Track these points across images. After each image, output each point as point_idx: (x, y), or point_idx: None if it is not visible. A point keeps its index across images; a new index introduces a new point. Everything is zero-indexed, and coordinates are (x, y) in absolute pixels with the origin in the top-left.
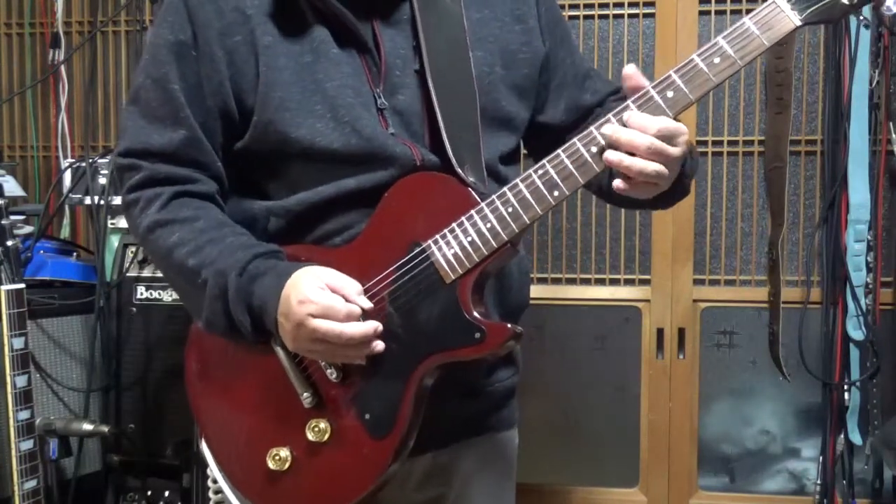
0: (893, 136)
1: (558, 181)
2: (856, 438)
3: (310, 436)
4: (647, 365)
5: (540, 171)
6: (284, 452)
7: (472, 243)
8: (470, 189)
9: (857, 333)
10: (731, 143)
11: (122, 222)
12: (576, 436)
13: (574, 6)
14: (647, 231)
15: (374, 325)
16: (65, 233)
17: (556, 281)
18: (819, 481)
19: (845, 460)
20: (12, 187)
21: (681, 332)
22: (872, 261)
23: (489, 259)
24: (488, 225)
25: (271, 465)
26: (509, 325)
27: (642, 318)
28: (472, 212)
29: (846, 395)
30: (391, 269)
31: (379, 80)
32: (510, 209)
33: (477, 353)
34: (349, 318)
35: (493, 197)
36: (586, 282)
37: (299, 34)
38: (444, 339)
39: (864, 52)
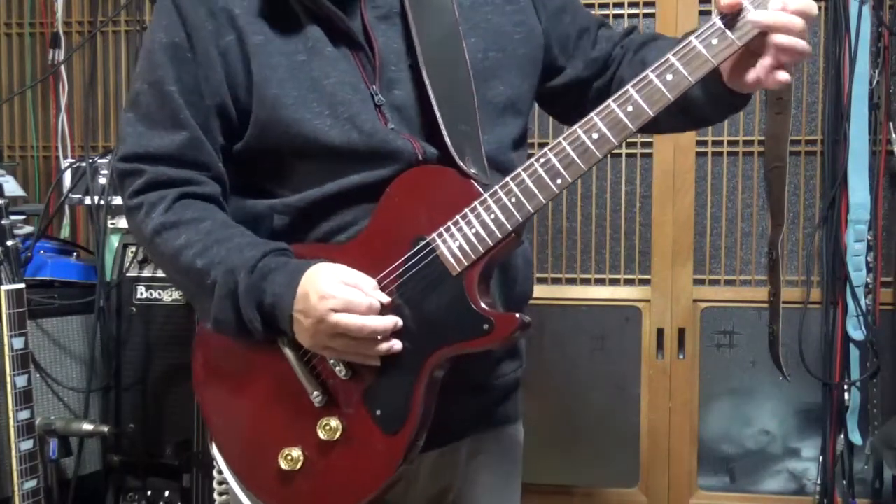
0: (893, 136)
1: (561, 169)
2: (856, 438)
3: (321, 434)
4: (647, 365)
5: (542, 160)
6: (296, 452)
7: (476, 234)
8: (472, 180)
9: (857, 333)
10: (731, 143)
11: (122, 222)
12: (576, 436)
13: None
14: (647, 231)
15: (394, 320)
16: (65, 233)
17: (556, 281)
18: (819, 481)
19: (845, 460)
20: (12, 187)
21: (681, 332)
22: (872, 261)
23: (494, 249)
24: (492, 216)
25: (283, 465)
26: (517, 316)
27: (642, 318)
28: (476, 203)
29: (846, 395)
30: (396, 264)
31: (374, 77)
32: (513, 199)
33: (486, 344)
34: (370, 311)
35: (496, 187)
36: (586, 282)
37: (292, 34)
38: (453, 331)
39: (864, 52)
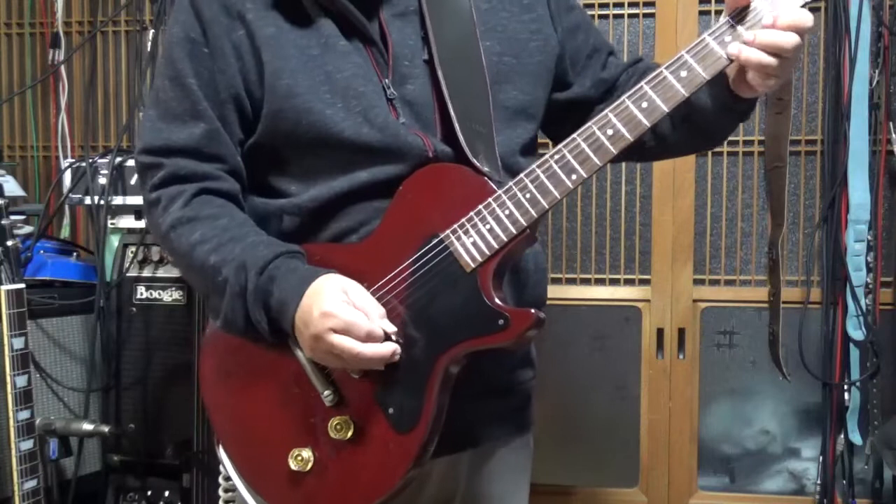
0: (893, 136)
1: (576, 165)
2: (856, 438)
3: (332, 434)
4: (647, 365)
5: (557, 156)
6: (307, 453)
7: (490, 231)
8: (485, 178)
9: (857, 333)
10: (730, 143)
11: (122, 222)
12: (576, 436)
13: None
14: (647, 231)
15: (392, 348)
16: (65, 233)
17: (556, 281)
18: (819, 481)
19: (845, 460)
20: (12, 187)
21: (681, 332)
22: (872, 261)
23: (509, 245)
24: (507, 212)
25: (293, 466)
26: (533, 311)
27: (642, 318)
28: (490, 199)
29: (846, 395)
30: (410, 261)
31: (387, 71)
32: (528, 195)
33: (501, 340)
34: (370, 338)
35: (511, 184)
36: (586, 282)
37: (305, 28)
38: (468, 328)
39: (864, 52)
